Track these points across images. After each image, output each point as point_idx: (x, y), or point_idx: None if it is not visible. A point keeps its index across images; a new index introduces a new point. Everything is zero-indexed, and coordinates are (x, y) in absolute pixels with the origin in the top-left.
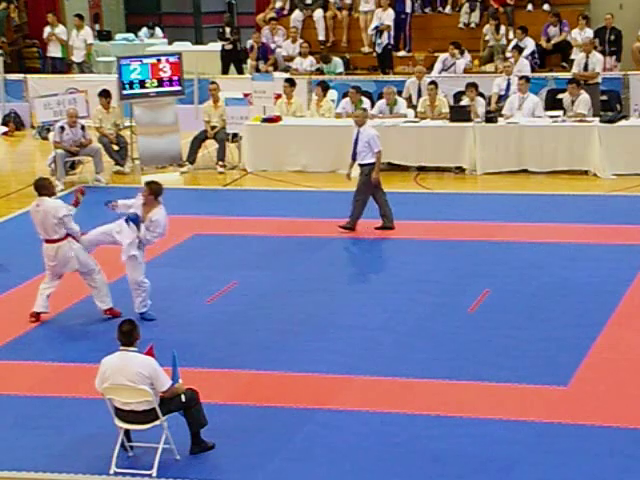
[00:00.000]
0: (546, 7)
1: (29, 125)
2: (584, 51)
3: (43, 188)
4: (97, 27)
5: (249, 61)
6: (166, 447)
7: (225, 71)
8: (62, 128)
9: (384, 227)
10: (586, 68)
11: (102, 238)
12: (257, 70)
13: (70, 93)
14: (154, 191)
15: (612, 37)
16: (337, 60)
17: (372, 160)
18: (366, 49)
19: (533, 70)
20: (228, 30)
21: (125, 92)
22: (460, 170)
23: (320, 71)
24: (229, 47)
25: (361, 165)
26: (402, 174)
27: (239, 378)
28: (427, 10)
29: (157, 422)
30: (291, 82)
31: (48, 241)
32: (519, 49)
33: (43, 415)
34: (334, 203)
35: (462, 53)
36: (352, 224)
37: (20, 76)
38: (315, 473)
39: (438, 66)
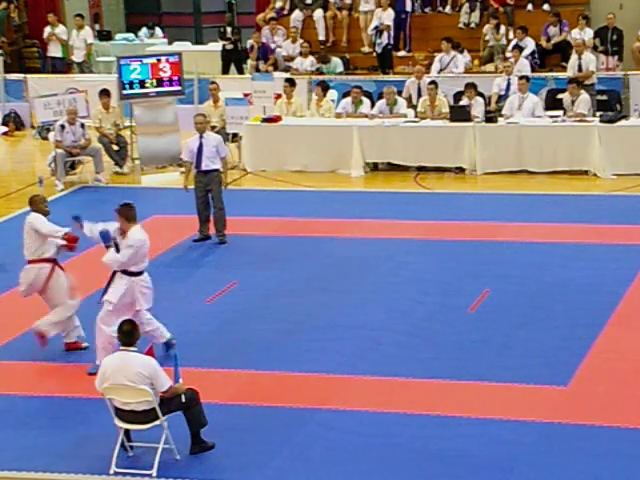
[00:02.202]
0: (546, 7)
1: (29, 125)
2: (576, 52)
3: (34, 204)
4: (97, 27)
5: (249, 61)
6: (166, 447)
7: (225, 71)
8: (62, 126)
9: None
10: (580, 69)
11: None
12: (257, 70)
13: (70, 93)
14: (124, 214)
15: (614, 37)
16: (337, 60)
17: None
18: (366, 49)
19: (533, 70)
20: (229, 30)
21: (125, 92)
22: (460, 170)
23: (320, 71)
24: (230, 47)
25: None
26: (402, 174)
27: (239, 378)
28: (427, 10)
29: (157, 422)
30: (291, 82)
31: (30, 262)
32: (519, 49)
33: (43, 415)
34: (334, 203)
35: (462, 51)
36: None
37: (20, 76)
38: (315, 473)
39: (436, 66)
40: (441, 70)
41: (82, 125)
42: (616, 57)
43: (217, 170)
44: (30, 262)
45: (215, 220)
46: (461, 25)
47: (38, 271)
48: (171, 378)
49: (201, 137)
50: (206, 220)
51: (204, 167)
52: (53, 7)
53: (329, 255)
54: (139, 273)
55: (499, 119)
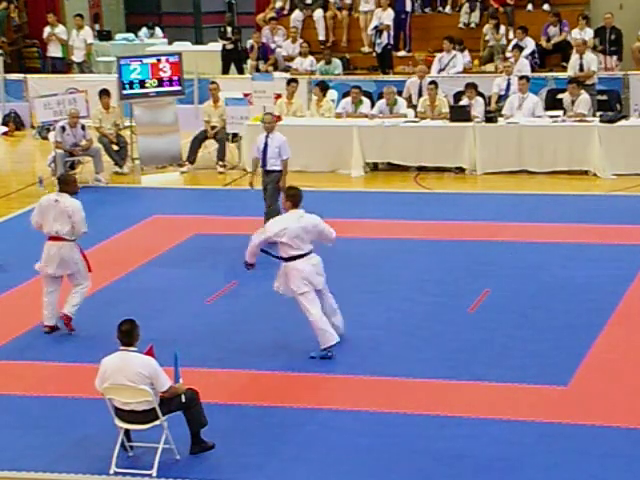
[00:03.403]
0: (546, 7)
1: (29, 125)
2: (577, 52)
3: (65, 184)
4: (97, 27)
5: (249, 61)
6: (166, 447)
7: (226, 71)
8: (63, 128)
9: None
10: (581, 69)
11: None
12: (257, 70)
13: (70, 93)
14: (290, 198)
15: (613, 37)
16: (336, 61)
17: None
18: (366, 49)
19: (533, 70)
20: (229, 30)
21: (125, 92)
22: (460, 170)
23: (320, 72)
24: (230, 47)
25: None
26: (402, 174)
27: (239, 378)
28: (427, 10)
29: (157, 422)
30: (295, 81)
31: (53, 238)
32: (519, 48)
33: (43, 415)
34: (334, 203)
35: (462, 50)
36: None
37: (20, 76)
38: (315, 473)
39: (436, 66)
40: (441, 70)
41: (83, 127)
42: (615, 57)
43: (278, 172)
44: (60, 239)
45: (265, 216)
46: (461, 25)
47: (71, 249)
48: (171, 378)
49: (267, 136)
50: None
51: (268, 167)
52: (53, 7)
53: (329, 255)
54: (288, 259)
55: (499, 119)
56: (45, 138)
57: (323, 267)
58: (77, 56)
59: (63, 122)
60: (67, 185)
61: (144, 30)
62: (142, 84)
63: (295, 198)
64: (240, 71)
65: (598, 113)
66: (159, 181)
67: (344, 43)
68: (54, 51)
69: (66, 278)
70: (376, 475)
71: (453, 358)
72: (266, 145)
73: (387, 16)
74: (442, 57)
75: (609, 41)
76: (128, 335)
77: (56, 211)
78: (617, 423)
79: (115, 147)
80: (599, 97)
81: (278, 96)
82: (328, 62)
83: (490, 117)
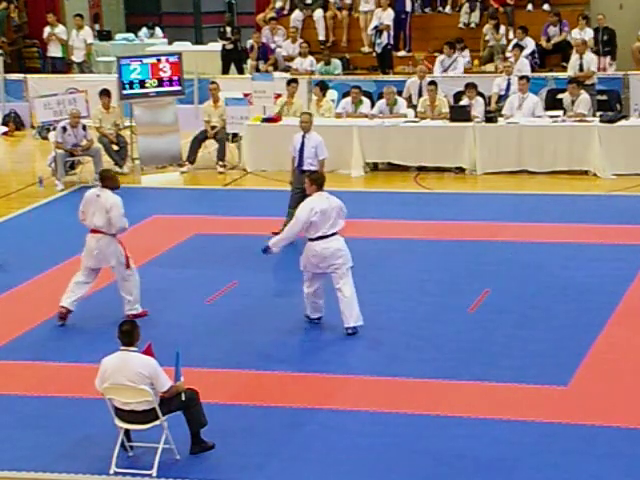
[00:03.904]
0: (546, 7)
1: (29, 125)
2: (577, 52)
3: (106, 179)
4: (97, 27)
5: (249, 61)
6: (166, 447)
7: (225, 71)
8: (64, 128)
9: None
10: (581, 69)
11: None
12: (257, 70)
13: (70, 93)
14: (314, 180)
15: (605, 37)
16: (336, 62)
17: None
18: (366, 49)
19: (533, 70)
20: (229, 30)
21: (125, 92)
22: (460, 170)
23: (319, 72)
24: (230, 47)
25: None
26: (402, 174)
27: (239, 378)
28: (427, 10)
29: (157, 422)
30: (295, 81)
31: (93, 231)
32: (520, 48)
33: (43, 415)
34: None
35: (463, 49)
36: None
37: (20, 76)
38: (315, 473)
39: (437, 68)
40: (443, 71)
41: (84, 127)
42: (608, 57)
43: (314, 172)
44: (99, 232)
45: (288, 217)
46: (461, 25)
47: (109, 243)
48: (172, 377)
49: (304, 136)
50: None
51: (304, 167)
52: (53, 7)
53: None
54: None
55: (499, 119)
56: (45, 138)
57: (347, 251)
58: (77, 56)
59: (64, 122)
60: (108, 180)
61: (144, 30)
62: (142, 84)
63: (319, 181)
64: (240, 71)
65: (598, 113)
66: (159, 181)
67: (344, 43)
68: (54, 51)
69: (113, 272)
70: (376, 475)
71: (453, 358)
72: (303, 145)
73: (387, 16)
74: (443, 60)
75: (602, 41)
76: (128, 335)
77: (97, 205)
78: (617, 423)
79: (115, 147)
80: (599, 97)
81: (278, 96)
82: (327, 63)
83: (490, 117)
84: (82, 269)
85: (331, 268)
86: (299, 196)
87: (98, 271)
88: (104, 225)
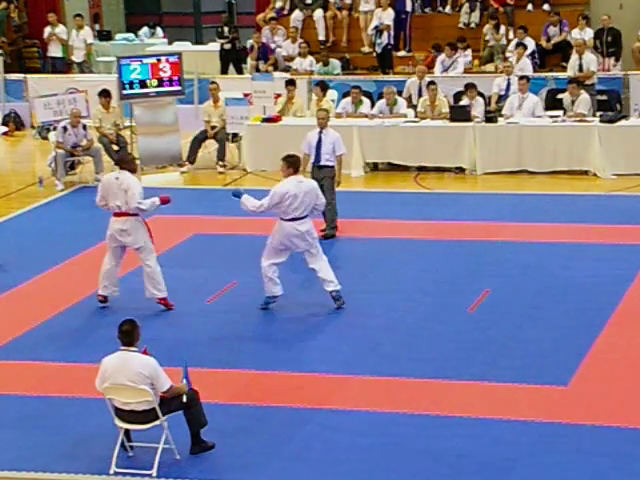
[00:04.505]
0: (546, 7)
1: (29, 125)
2: (577, 52)
3: (124, 162)
4: (97, 27)
5: (249, 61)
6: (166, 447)
7: (224, 70)
8: (65, 128)
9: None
10: (581, 69)
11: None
12: (257, 70)
13: (70, 93)
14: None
15: (609, 38)
16: (335, 62)
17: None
18: (366, 49)
19: (533, 70)
20: (227, 29)
21: (125, 92)
22: (460, 170)
23: (318, 73)
24: (228, 46)
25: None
26: (402, 174)
27: (239, 378)
28: (427, 10)
29: (157, 422)
30: (292, 83)
31: (117, 214)
32: (523, 46)
33: (43, 415)
34: None
35: (465, 49)
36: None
37: (20, 76)
38: (315, 473)
39: (438, 68)
40: (444, 70)
41: (84, 127)
42: (612, 58)
43: (331, 167)
44: (124, 215)
45: (324, 214)
46: (461, 25)
47: (135, 223)
48: (179, 380)
49: (321, 132)
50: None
51: (322, 162)
52: (53, 7)
53: (329, 255)
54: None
55: (499, 119)
56: (45, 138)
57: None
58: (77, 56)
59: (65, 122)
60: (126, 163)
61: (144, 30)
62: (142, 84)
63: (295, 165)
64: (238, 71)
65: (598, 113)
66: (159, 181)
67: (344, 43)
68: (54, 51)
69: (134, 253)
70: (376, 475)
71: (453, 358)
72: (320, 141)
73: (387, 16)
74: (444, 60)
75: (606, 42)
76: (129, 335)
77: (117, 188)
78: (617, 423)
79: (115, 147)
80: (599, 97)
81: (278, 96)
82: (325, 64)
83: (490, 117)
84: (107, 252)
85: (302, 249)
86: (327, 187)
87: (124, 251)
88: (127, 206)
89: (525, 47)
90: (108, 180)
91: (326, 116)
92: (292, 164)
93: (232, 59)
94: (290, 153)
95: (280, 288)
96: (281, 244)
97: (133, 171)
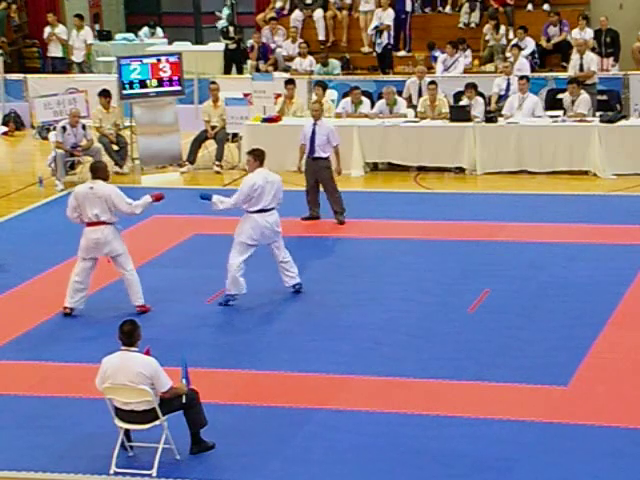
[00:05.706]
0: (546, 7)
1: (29, 125)
2: (578, 52)
3: (98, 171)
4: (97, 27)
5: (249, 61)
6: (166, 447)
7: (227, 70)
8: (64, 128)
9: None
10: (581, 69)
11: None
12: (257, 70)
13: (70, 93)
14: (254, 154)
15: (608, 39)
16: (335, 62)
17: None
18: (366, 49)
19: (533, 70)
20: (232, 29)
21: (125, 92)
22: (460, 170)
23: (318, 74)
24: (233, 46)
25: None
26: (402, 174)
27: (239, 378)
28: (427, 10)
29: (157, 422)
30: (292, 82)
31: (92, 224)
32: (518, 48)
33: (43, 415)
34: None
35: (465, 49)
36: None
37: (20, 76)
38: (315, 473)
39: (439, 67)
40: (444, 70)
41: (84, 127)
42: (611, 59)
43: (325, 158)
44: (101, 224)
45: (331, 204)
46: (461, 25)
47: (112, 232)
48: (179, 380)
49: (315, 124)
50: (314, 204)
51: (316, 154)
52: (53, 7)
53: (329, 255)
54: (253, 212)
55: (499, 119)
56: (45, 138)
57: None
58: (77, 56)
59: (64, 122)
60: (100, 171)
61: (144, 30)
62: (142, 84)
63: (261, 157)
64: (240, 71)
65: (598, 113)
66: (159, 181)
67: (344, 43)
68: (54, 51)
69: (112, 264)
70: (376, 475)
71: (453, 358)
72: (314, 133)
73: (387, 16)
74: (445, 59)
75: (605, 43)
76: (129, 335)
77: (92, 198)
78: (617, 423)
79: (115, 147)
80: (599, 97)
81: (278, 96)
82: (325, 64)
83: (490, 117)
84: (79, 263)
85: (271, 241)
86: (310, 180)
87: (96, 264)
88: (105, 215)
89: (520, 48)
90: (82, 190)
91: (319, 107)
92: (258, 157)
93: (235, 59)
94: (255, 147)
95: (245, 286)
96: (251, 239)
97: (106, 179)
